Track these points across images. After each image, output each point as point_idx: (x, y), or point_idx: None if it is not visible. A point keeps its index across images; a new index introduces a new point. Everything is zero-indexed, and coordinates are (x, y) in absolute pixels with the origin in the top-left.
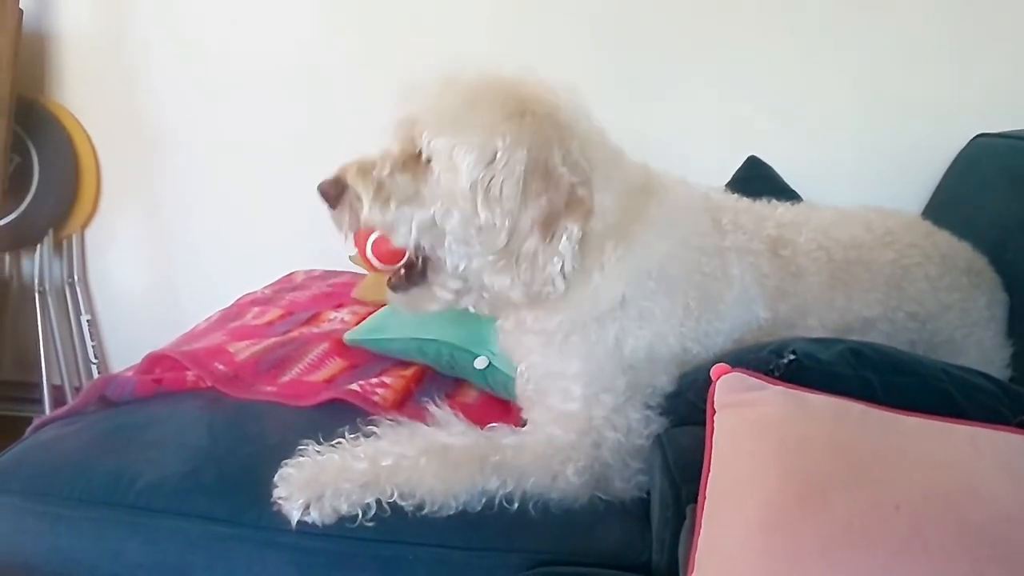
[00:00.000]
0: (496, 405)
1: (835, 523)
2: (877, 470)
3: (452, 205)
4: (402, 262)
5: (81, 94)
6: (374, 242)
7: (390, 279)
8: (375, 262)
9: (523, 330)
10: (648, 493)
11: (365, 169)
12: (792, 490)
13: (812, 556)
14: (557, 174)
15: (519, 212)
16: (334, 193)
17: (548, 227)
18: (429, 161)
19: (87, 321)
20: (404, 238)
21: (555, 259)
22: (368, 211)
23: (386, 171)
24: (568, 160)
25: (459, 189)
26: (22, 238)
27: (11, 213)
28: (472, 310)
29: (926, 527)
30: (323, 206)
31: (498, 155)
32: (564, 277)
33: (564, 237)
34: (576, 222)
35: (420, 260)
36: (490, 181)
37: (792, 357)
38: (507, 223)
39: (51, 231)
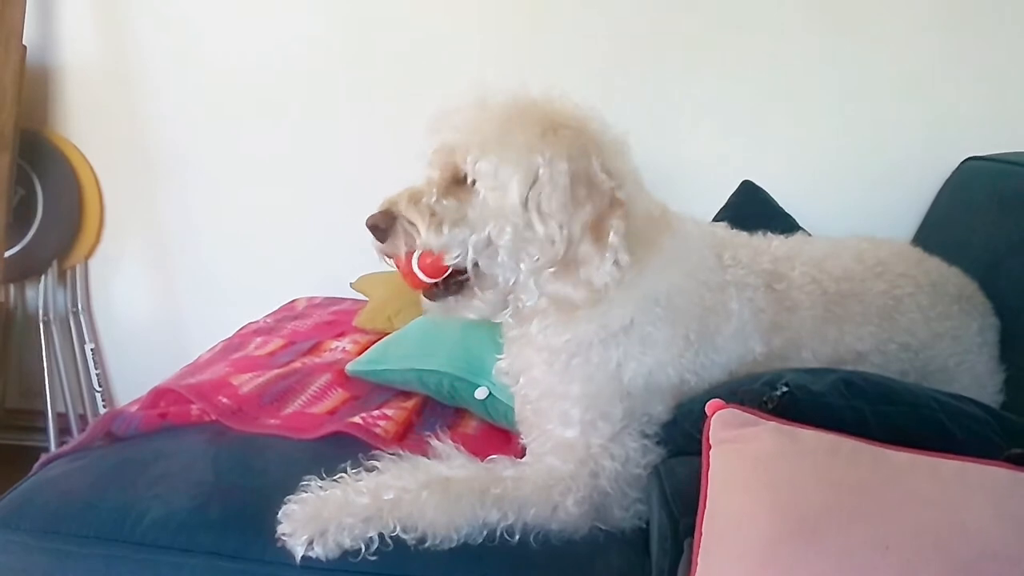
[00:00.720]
0: (497, 435)
1: (827, 562)
2: (868, 507)
3: (504, 223)
4: (446, 274)
5: (84, 126)
6: (419, 257)
7: (421, 292)
8: (422, 276)
9: (527, 341)
10: (647, 523)
11: (415, 197)
12: (785, 528)
13: None
14: (598, 180)
15: (570, 221)
16: (384, 225)
17: (597, 229)
18: (474, 183)
19: (91, 349)
20: (460, 258)
21: (607, 255)
22: (425, 236)
23: (433, 198)
24: (605, 167)
25: (509, 207)
26: (27, 269)
27: (16, 244)
28: (499, 320)
29: (915, 566)
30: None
31: (540, 171)
32: (619, 267)
33: (612, 233)
34: (620, 219)
35: (471, 275)
36: (539, 196)
37: (785, 389)
38: (563, 233)
39: (55, 261)
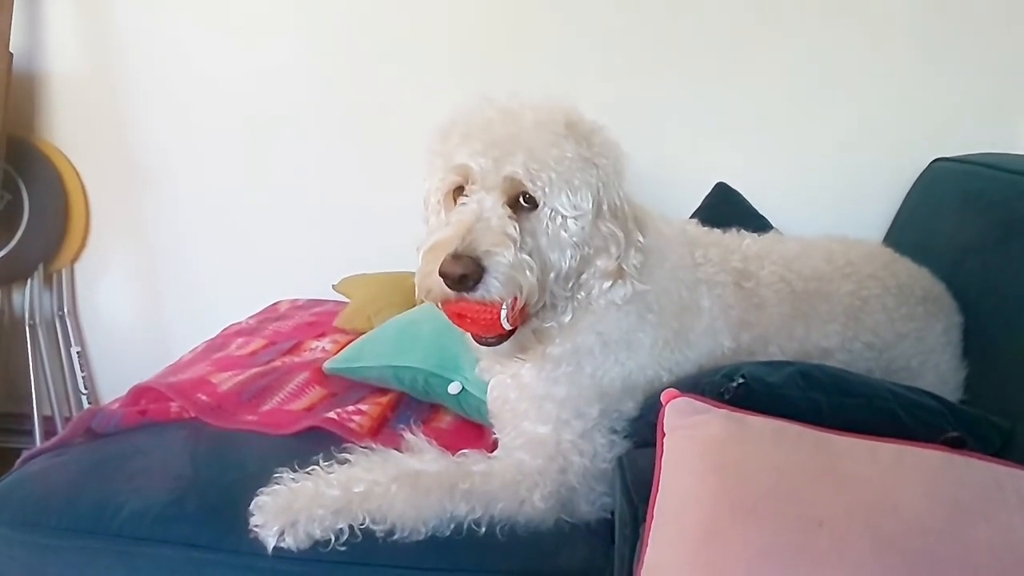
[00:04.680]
0: (469, 429)
1: (762, 538)
2: (805, 487)
3: (575, 250)
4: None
5: (70, 133)
6: (516, 308)
7: (483, 336)
8: (508, 325)
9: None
10: (612, 514)
11: (499, 236)
12: (726, 507)
13: (738, 570)
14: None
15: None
16: (478, 274)
17: (627, 230)
18: (535, 207)
19: (77, 353)
20: (543, 295)
21: (633, 253)
22: (529, 285)
23: (519, 240)
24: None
25: (580, 229)
26: (13, 272)
27: (2, 249)
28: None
29: (845, 541)
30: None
31: (600, 190)
32: (640, 249)
33: (633, 231)
34: (627, 204)
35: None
36: (603, 210)
37: (741, 381)
38: (621, 236)
39: (41, 265)
